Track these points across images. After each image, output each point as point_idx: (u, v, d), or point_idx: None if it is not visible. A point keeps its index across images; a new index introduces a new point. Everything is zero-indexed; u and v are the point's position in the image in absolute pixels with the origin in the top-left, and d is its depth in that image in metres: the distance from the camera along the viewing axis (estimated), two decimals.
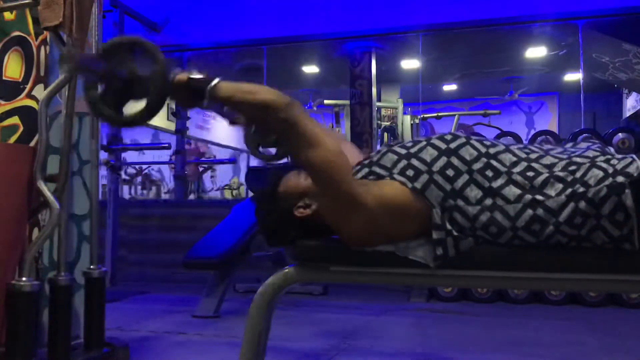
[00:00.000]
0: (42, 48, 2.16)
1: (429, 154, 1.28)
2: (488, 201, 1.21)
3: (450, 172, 1.25)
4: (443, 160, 1.26)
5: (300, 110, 1.23)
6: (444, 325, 3.16)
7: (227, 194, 8.89)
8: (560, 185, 1.18)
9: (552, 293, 3.70)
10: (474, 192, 1.23)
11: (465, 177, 1.24)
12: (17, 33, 2.19)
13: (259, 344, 1.42)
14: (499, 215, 1.20)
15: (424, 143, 1.31)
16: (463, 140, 1.28)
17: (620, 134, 4.00)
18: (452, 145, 1.27)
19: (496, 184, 1.22)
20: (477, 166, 1.24)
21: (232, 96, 1.24)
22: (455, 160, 1.25)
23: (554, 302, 3.71)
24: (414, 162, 1.27)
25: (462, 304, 3.77)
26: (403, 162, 1.29)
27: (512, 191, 1.20)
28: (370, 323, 3.22)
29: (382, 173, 1.29)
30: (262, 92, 1.23)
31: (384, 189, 1.26)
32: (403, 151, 1.31)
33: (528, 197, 1.19)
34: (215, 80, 1.23)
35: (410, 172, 1.26)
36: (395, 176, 1.27)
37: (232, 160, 8.58)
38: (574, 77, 7.15)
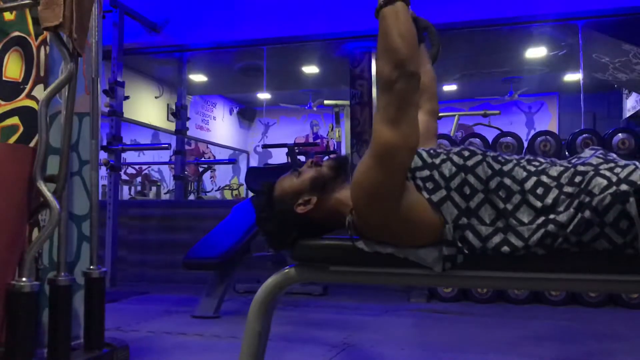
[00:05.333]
0: (42, 48, 2.16)
1: (448, 168, 1.29)
2: (502, 222, 1.23)
3: (466, 190, 1.26)
4: (460, 177, 1.27)
5: (405, 88, 1.18)
6: (444, 326, 3.16)
7: (227, 195, 8.89)
8: (568, 200, 1.20)
9: (552, 293, 3.70)
10: (488, 212, 1.25)
11: (481, 196, 1.26)
12: (17, 33, 2.19)
13: (259, 345, 1.42)
14: (513, 236, 1.22)
15: (444, 156, 1.32)
16: (479, 157, 1.30)
17: (620, 134, 4.00)
18: (469, 163, 1.29)
19: (510, 205, 1.24)
20: (492, 185, 1.26)
21: (383, 21, 1.22)
22: (471, 178, 1.27)
23: (554, 302, 3.71)
24: (435, 174, 1.29)
25: (462, 304, 3.77)
26: (426, 172, 1.30)
27: (526, 213, 1.23)
28: (370, 323, 3.22)
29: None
30: (397, 53, 1.18)
31: (413, 199, 1.26)
32: (429, 160, 1.32)
33: (542, 218, 1.21)
34: (389, 5, 1.22)
35: (430, 185, 1.28)
36: (419, 182, 1.29)
37: (232, 161, 8.58)
38: (574, 77, 7.14)
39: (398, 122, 1.19)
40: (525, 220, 1.22)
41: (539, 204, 1.22)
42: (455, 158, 1.31)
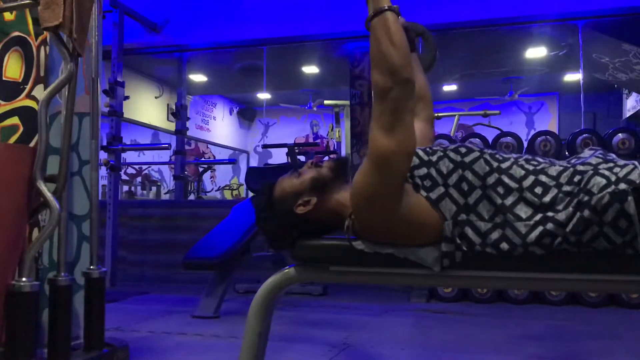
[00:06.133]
0: (42, 48, 2.16)
1: (445, 165, 1.29)
2: (499, 218, 1.23)
3: (464, 186, 1.26)
4: (458, 173, 1.27)
5: (399, 95, 1.19)
6: (444, 326, 3.16)
7: (227, 195, 8.89)
8: (567, 198, 1.20)
9: (552, 293, 3.70)
10: (486, 208, 1.25)
11: (479, 192, 1.26)
12: (17, 33, 2.19)
13: (259, 345, 1.42)
14: (510, 232, 1.22)
15: (441, 154, 1.32)
16: (477, 154, 1.30)
17: (620, 134, 4.00)
18: (467, 159, 1.29)
19: (508, 201, 1.24)
20: (489, 181, 1.26)
21: (374, 31, 1.22)
22: (469, 175, 1.27)
23: (554, 302, 3.71)
24: (432, 172, 1.29)
25: (462, 304, 3.77)
26: (423, 170, 1.30)
27: (523, 209, 1.22)
28: (370, 323, 3.22)
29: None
30: (389, 61, 1.18)
31: (413, 201, 1.26)
32: (425, 158, 1.32)
33: (539, 215, 1.21)
34: (379, 15, 1.22)
35: (427, 182, 1.28)
36: (418, 181, 1.29)
37: (232, 161, 8.59)
38: (574, 77, 7.14)
39: (394, 129, 1.20)
40: (523, 216, 1.22)
41: (537, 200, 1.22)
42: (452, 155, 1.31)
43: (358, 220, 1.31)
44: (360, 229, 1.32)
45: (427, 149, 1.36)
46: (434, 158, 1.31)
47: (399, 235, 1.28)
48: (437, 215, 1.26)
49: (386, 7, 1.21)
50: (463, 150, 1.32)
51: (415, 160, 1.32)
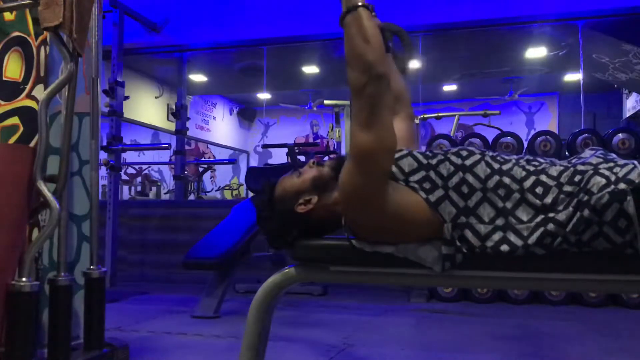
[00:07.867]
0: (42, 48, 2.16)
1: (445, 168, 1.29)
2: (500, 221, 1.23)
3: (464, 189, 1.26)
4: (459, 176, 1.27)
5: (375, 91, 1.19)
6: (444, 326, 3.16)
7: (227, 195, 8.89)
8: (568, 199, 1.20)
9: (552, 293, 3.70)
10: (487, 211, 1.25)
11: (479, 194, 1.26)
12: (17, 33, 2.19)
13: (259, 345, 1.42)
14: (512, 234, 1.22)
15: (442, 157, 1.32)
16: (478, 157, 1.30)
17: (620, 134, 3.99)
18: (468, 162, 1.29)
19: (510, 203, 1.24)
20: (490, 184, 1.26)
21: (347, 29, 1.24)
22: (470, 177, 1.27)
23: (554, 302, 3.71)
24: (432, 174, 1.29)
25: (462, 304, 3.77)
26: (421, 173, 1.30)
27: (525, 211, 1.23)
28: (370, 323, 3.22)
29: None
30: (363, 58, 1.19)
31: (404, 198, 1.27)
32: (424, 161, 1.32)
33: (540, 217, 1.21)
34: (351, 12, 1.24)
35: (427, 185, 1.28)
36: (414, 185, 1.29)
37: (232, 161, 8.59)
38: (574, 77, 7.14)
39: (372, 126, 1.20)
40: (524, 218, 1.22)
41: (538, 202, 1.22)
42: (453, 158, 1.31)
43: (347, 217, 1.32)
44: (353, 227, 1.32)
45: (428, 153, 1.36)
46: (434, 161, 1.31)
47: (390, 231, 1.28)
48: (435, 217, 1.26)
49: (359, 4, 1.22)
50: (464, 153, 1.32)
51: (414, 164, 1.31)
